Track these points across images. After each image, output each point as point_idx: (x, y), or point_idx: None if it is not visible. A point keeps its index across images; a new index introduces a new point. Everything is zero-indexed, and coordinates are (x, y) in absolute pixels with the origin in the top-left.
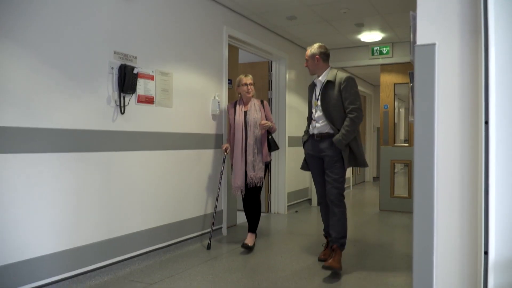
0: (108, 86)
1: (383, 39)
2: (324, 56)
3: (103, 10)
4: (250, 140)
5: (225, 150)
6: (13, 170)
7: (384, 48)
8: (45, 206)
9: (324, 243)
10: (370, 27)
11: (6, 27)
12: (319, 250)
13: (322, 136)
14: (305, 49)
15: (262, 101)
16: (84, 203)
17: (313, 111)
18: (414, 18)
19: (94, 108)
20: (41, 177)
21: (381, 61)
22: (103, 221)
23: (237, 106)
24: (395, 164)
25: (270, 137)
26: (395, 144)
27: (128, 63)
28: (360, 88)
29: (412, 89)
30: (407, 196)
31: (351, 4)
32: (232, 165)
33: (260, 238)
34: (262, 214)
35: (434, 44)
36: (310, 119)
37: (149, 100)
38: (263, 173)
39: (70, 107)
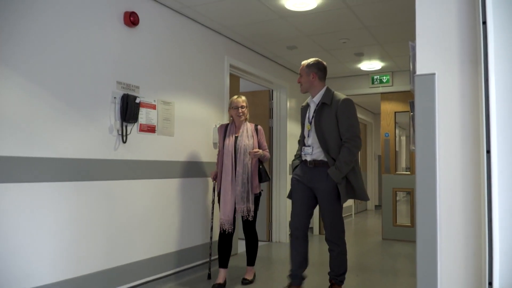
0: (111, 115)
1: (383, 68)
2: (321, 73)
3: (106, 41)
4: (240, 169)
5: (214, 178)
6: (14, 199)
7: (384, 77)
8: (47, 235)
9: None
10: (370, 56)
11: (6, 54)
12: (321, 280)
13: (316, 164)
14: None
15: (256, 126)
16: (86, 232)
17: (305, 135)
18: (414, 48)
19: (96, 137)
20: (43, 206)
21: (381, 89)
22: (105, 250)
23: (228, 130)
24: (397, 192)
25: (261, 166)
26: (397, 172)
27: (131, 93)
28: (360, 116)
29: (412, 118)
30: (409, 224)
31: (351, 34)
32: (219, 194)
33: (261, 267)
34: (263, 243)
35: (433, 74)
36: (302, 143)
37: (151, 129)
38: (253, 205)
39: (72, 136)
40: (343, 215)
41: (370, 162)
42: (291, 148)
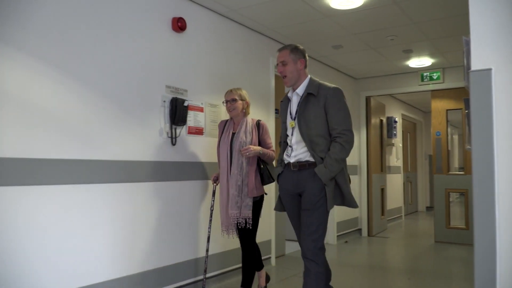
0: (160, 119)
1: (433, 64)
2: (306, 62)
3: (156, 46)
4: (234, 169)
5: (215, 181)
6: (72, 199)
7: (435, 74)
8: (100, 234)
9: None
10: (419, 53)
11: (63, 61)
12: (371, 282)
13: (301, 166)
14: (352, 77)
15: (258, 121)
16: (138, 232)
17: (288, 134)
18: (468, 43)
19: (147, 140)
20: (97, 207)
21: (431, 87)
22: (156, 249)
23: (226, 126)
24: (450, 193)
25: (262, 166)
26: (450, 172)
27: (179, 96)
28: (410, 114)
29: (468, 116)
30: (464, 227)
31: (398, 31)
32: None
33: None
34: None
35: (490, 69)
36: (285, 144)
37: (199, 131)
38: (250, 211)
39: (124, 139)
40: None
41: (420, 162)
42: None
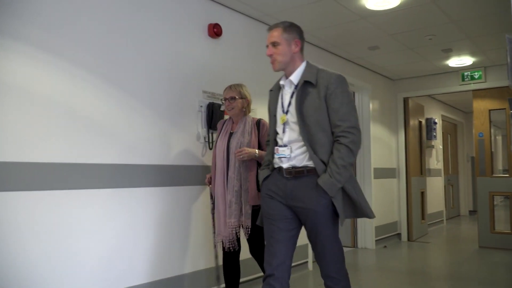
0: (197, 124)
1: (474, 63)
2: (303, 43)
3: (192, 52)
4: (231, 173)
5: (209, 182)
6: (114, 203)
7: (476, 73)
8: (140, 237)
9: None
10: (459, 52)
11: (107, 72)
12: None
13: (297, 172)
14: (389, 78)
15: (259, 120)
16: (175, 234)
17: (279, 130)
18: (511, 41)
19: (185, 145)
20: (137, 209)
21: (473, 86)
22: (194, 253)
23: (225, 125)
24: (494, 196)
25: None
26: (494, 175)
27: (216, 101)
28: (450, 115)
29: None
30: (510, 231)
31: (437, 30)
32: (213, 203)
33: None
34: (348, 249)
35: None
36: (274, 143)
37: None
38: (249, 220)
39: (163, 144)
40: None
41: (462, 164)
42: (375, 152)
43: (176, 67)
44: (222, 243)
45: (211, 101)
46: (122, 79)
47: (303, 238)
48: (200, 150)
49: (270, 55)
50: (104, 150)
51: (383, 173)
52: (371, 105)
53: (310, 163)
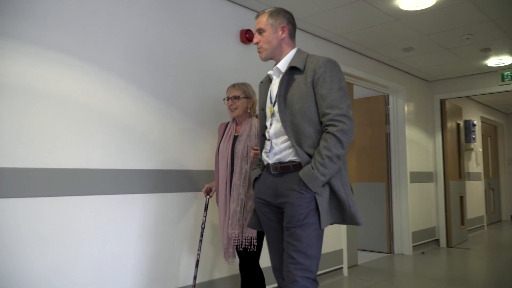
0: None
1: None
2: (293, 28)
3: (225, 58)
4: (236, 180)
5: (207, 193)
6: (153, 207)
7: None
8: (183, 240)
9: None
10: (498, 51)
11: (146, 81)
12: None
13: (283, 168)
14: (425, 80)
15: None
16: (216, 238)
17: (267, 124)
18: None
19: None
20: (172, 214)
21: None
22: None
23: (228, 128)
24: None
25: None
26: None
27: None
28: (489, 117)
29: None
30: None
31: (474, 29)
32: (205, 216)
33: (383, 280)
34: (383, 255)
35: None
36: (263, 138)
37: None
38: (255, 230)
39: (198, 151)
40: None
41: (503, 168)
42: (411, 156)
43: (209, 73)
44: (225, 255)
45: None
46: (155, 85)
47: (337, 244)
48: None
49: (256, 43)
50: (140, 156)
51: (420, 177)
52: (406, 108)
53: (296, 158)
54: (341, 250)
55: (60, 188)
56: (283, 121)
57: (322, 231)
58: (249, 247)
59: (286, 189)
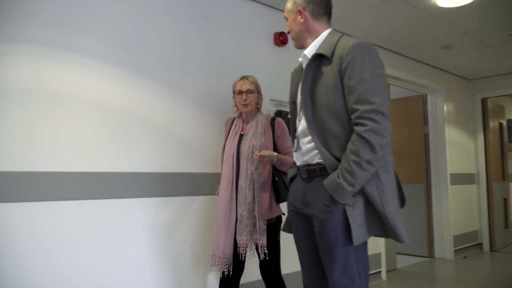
0: None
1: None
2: (316, 7)
3: (259, 61)
4: (242, 182)
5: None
6: (191, 210)
7: None
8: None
9: None
10: None
11: (180, 85)
12: None
13: (310, 172)
14: (465, 78)
15: (273, 119)
16: None
17: (297, 120)
18: None
19: None
20: (204, 218)
21: None
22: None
23: (234, 125)
24: None
25: (277, 178)
26: None
27: (283, 109)
28: None
29: None
30: None
31: None
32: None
33: (424, 285)
34: (423, 259)
35: None
36: (293, 134)
37: None
38: (265, 237)
39: None
40: None
41: None
42: (452, 157)
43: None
44: (215, 266)
45: (279, 108)
46: (193, 91)
47: (375, 247)
48: None
49: (288, 33)
50: (178, 159)
51: (461, 179)
52: (445, 107)
53: (321, 160)
54: (379, 254)
55: (100, 191)
56: (307, 119)
57: (361, 244)
58: (260, 255)
59: (313, 199)
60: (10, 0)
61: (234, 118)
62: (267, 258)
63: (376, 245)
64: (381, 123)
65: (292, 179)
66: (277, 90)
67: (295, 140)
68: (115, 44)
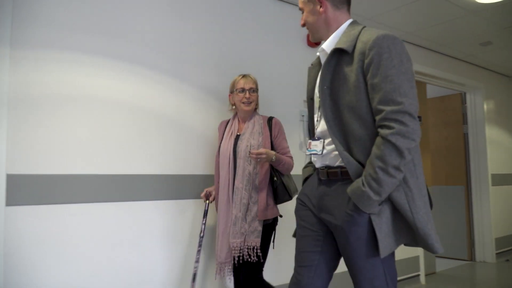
0: (300, 133)
1: None
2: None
3: (292, 62)
4: (239, 182)
5: (206, 197)
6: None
7: None
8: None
9: None
10: None
11: (211, 85)
12: None
13: (330, 175)
14: (506, 76)
15: (271, 119)
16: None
17: (315, 118)
18: None
19: None
20: None
21: None
22: None
23: (229, 126)
24: None
25: (275, 178)
26: None
27: None
28: None
29: None
30: None
31: None
32: (204, 223)
33: None
34: (464, 263)
35: None
36: (312, 133)
37: None
38: (259, 239)
39: None
40: None
41: None
42: (493, 157)
43: (277, 77)
44: (219, 271)
45: None
46: (222, 90)
47: (413, 249)
48: (304, 159)
49: (303, 25)
50: (211, 162)
51: (503, 179)
52: (485, 106)
53: (343, 163)
54: (418, 257)
55: (134, 193)
56: (327, 119)
57: (390, 256)
58: (251, 258)
59: (333, 206)
60: (42, 7)
61: (228, 121)
62: (257, 260)
63: (414, 248)
64: (409, 125)
65: (306, 178)
66: None
67: (314, 142)
68: (151, 48)
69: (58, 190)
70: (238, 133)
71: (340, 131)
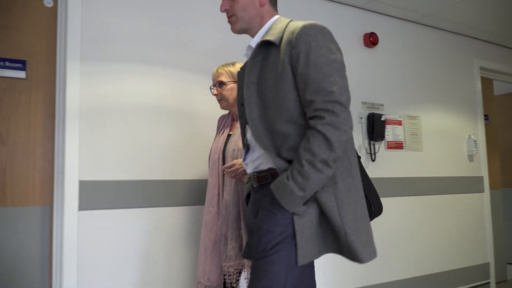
0: (358, 135)
1: None
2: None
3: (349, 64)
4: (226, 193)
5: None
6: None
7: None
8: None
9: None
10: None
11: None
12: None
13: (260, 180)
14: None
15: None
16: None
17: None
18: None
19: None
20: None
21: None
22: (362, 267)
23: (222, 124)
24: None
25: None
26: None
27: (375, 111)
28: None
29: None
30: None
31: None
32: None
33: None
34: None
35: None
36: (244, 139)
37: (398, 146)
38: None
39: None
40: None
41: None
42: None
43: None
44: None
45: (371, 111)
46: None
47: (483, 256)
48: (363, 162)
49: (225, 11)
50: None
51: None
52: None
53: (272, 165)
54: (488, 264)
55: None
56: (253, 117)
57: (302, 267)
58: (234, 283)
59: (259, 207)
60: (109, 22)
61: (225, 116)
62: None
63: (484, 254)
64: (341, 115)
65: (248, 195)
66: (368, 93)
67: (245, 146)
68: (208, 56)
69: (125, 195)
70: (230, 132)
71: (267, 130)
